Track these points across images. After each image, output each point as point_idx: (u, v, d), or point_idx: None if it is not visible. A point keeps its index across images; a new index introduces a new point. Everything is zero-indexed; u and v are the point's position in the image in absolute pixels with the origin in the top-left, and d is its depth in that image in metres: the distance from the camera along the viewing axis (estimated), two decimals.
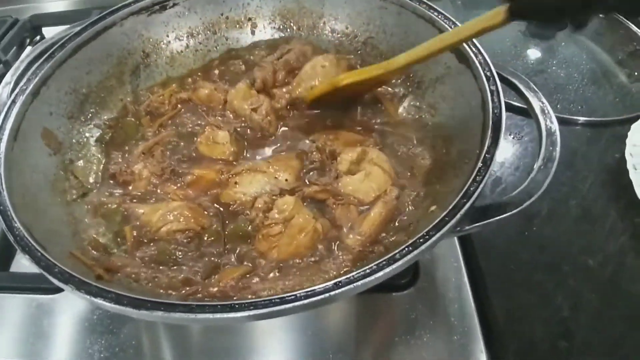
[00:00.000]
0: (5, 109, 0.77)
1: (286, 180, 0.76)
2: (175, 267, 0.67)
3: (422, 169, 0.78)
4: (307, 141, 0.84)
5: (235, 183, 0.76)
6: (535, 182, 0.65)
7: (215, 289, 0.63)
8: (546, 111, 0.74)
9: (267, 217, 0.70)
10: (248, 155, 0.85)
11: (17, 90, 0.79)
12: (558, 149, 0.70)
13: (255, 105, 0.89)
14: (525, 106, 0.78)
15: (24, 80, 0.81)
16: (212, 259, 0.68)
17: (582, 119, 1.05)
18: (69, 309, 0.79)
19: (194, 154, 0.85)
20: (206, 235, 0.70)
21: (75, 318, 0.78)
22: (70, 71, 0.85)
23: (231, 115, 0.91)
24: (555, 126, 0.72)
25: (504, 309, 0.78)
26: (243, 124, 0.89)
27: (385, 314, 0.75)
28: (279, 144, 0.87)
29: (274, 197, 0.74)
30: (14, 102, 0.78)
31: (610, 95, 1.10)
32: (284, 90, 0.92)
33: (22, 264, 0.89)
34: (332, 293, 0.51)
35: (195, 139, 0.86)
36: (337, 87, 0.84)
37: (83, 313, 0.78)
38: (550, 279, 0.82)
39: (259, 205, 0.71)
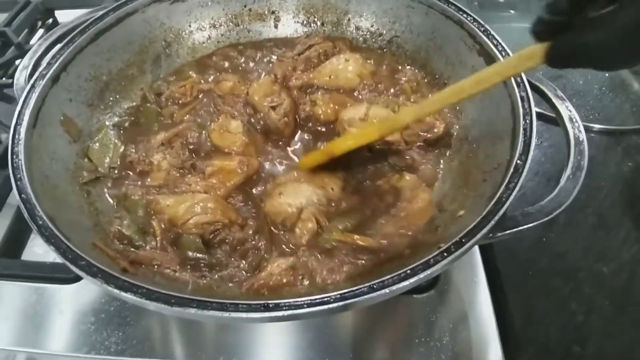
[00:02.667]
0: (25, 93, 0.75)
1: (332, 189, 0.75)
2: (208, 261, 0.67)
3: (449, 171, 0.77)
4: None
5: (280, 194, 0.73)
6: (564, 191, 0.65)
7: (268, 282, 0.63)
8: (574, 120, 0.74)
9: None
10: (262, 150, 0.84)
11: (36, 74, 0.77)
12: (586, 158, 0.70)
13: (275, 104, 0.87)
14: (552, 114, 0.77)
15: (44, 64, 0.79)
16: (255, 252, 0.68)
17: (597, 126, 1.05)
18: (84, 299, 0.78)
19: (212, 147, 0.84)
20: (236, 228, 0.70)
21: (90, 309, 0.76)
22: (90, 57, 0.84)
23: (249, 110, 0.89)
24: (583, 135, 0.72)
25: (521, 314, 0.79)
26: (260, 120, 0.88)
27: (406, 315, 0.74)
28: (296, 146, 0.86)
29: (320, 208, 0.72)
30: (33, 87, 0.76)
31: (627, 104, 1.10)
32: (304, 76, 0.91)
33: (34, 252, 0.88)
34: (367, 296, 0.50)
35: (209, 124, 0.85)
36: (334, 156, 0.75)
37: (99, 304, 0.77)
38: (566, 285, 0.83)
39: (304, 218, 0.70)
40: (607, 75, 1.14)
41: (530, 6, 1.35)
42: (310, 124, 0.88)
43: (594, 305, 0.80)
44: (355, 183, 0.78)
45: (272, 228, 0.72)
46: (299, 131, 0.88)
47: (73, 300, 0.78)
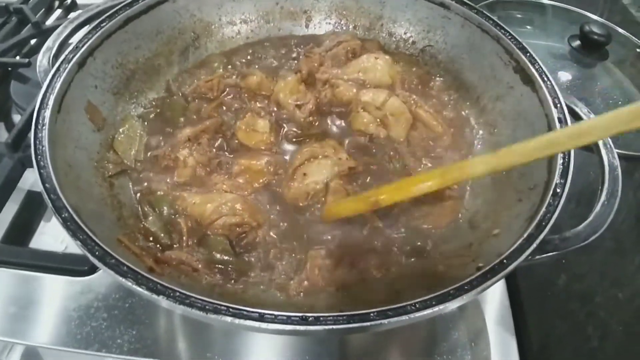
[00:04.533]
0: (50, 76, 0.72)
1: (347, 158, 0.75)
2: (235, 265, 0.65)
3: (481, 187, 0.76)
4: None
5: (304, 174, 0.73)
6: (599, 217, 0.65)
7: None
8: (609, 146, 0.73)
9: None
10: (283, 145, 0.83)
11: (62, 58, 0.75)
12: (620, 184, 0.70)
13: (300, 102, 0.86)
14: None
15: (70, 48, 0.76)
16: (294, 255, 0.66)
17: (617, 151, 1.06)
18: (97, 294, 0.75)
19: (239, 145, 0.82)
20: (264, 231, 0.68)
21: (103, 305, 0.74)
22: (118, 44, 0.81)
23: (274, 107, 0.87)
24: (617, 161, 0.72)
25: (539, 334, 0.79)
26: (284, 117, 0.87)
27: (429, 330, 0.74)
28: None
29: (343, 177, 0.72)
30: (58, 70, 0.73)
31: None
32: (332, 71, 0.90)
33: (43, 240, 0.85)
34: (412, 315, 0.49)
35: (235, 122, 0.83)
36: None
37: (112, 300, 0.74)
38: (583, 309, 0.83)
39: (333, 189, 0.70)
40: (626, 100, 1.15)
41: (547, 23, 1.35)
42: (332, 109, 0.87)
43: (608, 331, 0.80)
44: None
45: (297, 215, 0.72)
46: (322, 121, 0.87)
47: (85, 295, 0.75)
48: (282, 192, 0.74)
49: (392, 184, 0.66)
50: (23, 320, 0.73)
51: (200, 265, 0.62)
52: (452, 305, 0.50)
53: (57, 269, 0.77)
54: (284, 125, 0.85)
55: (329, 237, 0.70)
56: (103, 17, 0.80)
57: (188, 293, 0.50)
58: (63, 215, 0.57)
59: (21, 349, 0.82)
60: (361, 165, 0.77)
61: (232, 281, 0.63)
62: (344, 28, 0.99)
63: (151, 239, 0.65)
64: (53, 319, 0.73)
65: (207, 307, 0.49)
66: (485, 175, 0.66)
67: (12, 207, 0.88)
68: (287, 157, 0.80)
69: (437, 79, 0.92)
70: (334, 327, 0.48)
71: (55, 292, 0.75)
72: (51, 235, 0.85)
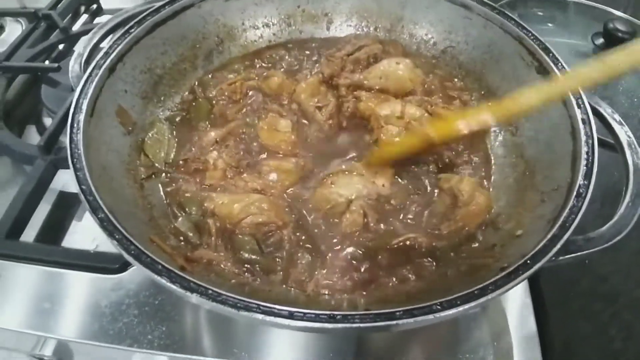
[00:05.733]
0: (82, 82, 0.75)
1: (383, 185, 0.75)
2: (262, 264, 0.67)
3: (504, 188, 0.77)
4: None
5: (332, 183, 0.74)
6: (623, 219, 0.65)
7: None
8: (633, 146, 0.73)
9: None
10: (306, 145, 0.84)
11: (93, 64, 0.77)
12: None
13: (321, 104, 0.87)
14: (609, 139, 0.76)
15: (100, 54, 0.79)
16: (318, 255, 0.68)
17: None
18: (128, 291, 0.78)
19: (262, 146, 0.83)
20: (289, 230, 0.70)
21: (134, 302, 0.76)
22: (146, 50, 0.83)
23: (295, 107, 0.89)
24: None
25: (561, 335, 0.78)
26: (306, 119, 0.88)
27: (451, 328, 0.74)
28: (338, 142, 0.86)
29: (369, 202, 0.72)
30: (90, 75, 0.76)
31: None
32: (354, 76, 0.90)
33: (75, 239, 0.88)
34: (437, 315, 0.50)
35: (257, 123, 0.85)
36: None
37: (143, 297, 0.77)
38: (606, 310, 0.82)
39: (353, 209, 0.70)
40: None
41: (570, 21, 1.33)
42: (355, 121, 0.87)
43: (632, 332, 0.79)
44: (406, 181, 0.78)
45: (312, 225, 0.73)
46: (344, 128, 0.87)
47: (116, 292, 0.78)
48: (309, 194, 0.75)
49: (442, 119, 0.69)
50: (56, 316, 0.76)
51: (229, 264, 0.64)
52: (477, 305, 0.51)
53: (88, 266, 0.80)
54: (306, 126, 0.86)
55: (354, 238, 0.71)
56: (131, 23, 0.83)
57: (220, 291, 0.52)
58: (100, 216, 0.59)
59: (54, 343, 0.86)
60: (396, 200, 0.76)
61: (259, 280, 0.65)
62: (365, 30, 1.00)
63: (181, 238, 0.68)
64: (85, 315, 0.75)
65: (238, 304, 0.51)
66: (539, 105, 0.64)
67: (44, 207, 0.92)
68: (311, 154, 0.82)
69: (459, 80, 0.93)
70: (362, 325, 0.50)
71: (87, 289, 0.78)
72: (82, 234, 0.88)
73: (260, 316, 0.50)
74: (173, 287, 0.53)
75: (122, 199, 0.69)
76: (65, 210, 0.93)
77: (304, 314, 0.51)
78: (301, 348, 0.73)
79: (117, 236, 0.57)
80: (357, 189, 0.73)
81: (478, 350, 0.72)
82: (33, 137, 1.06)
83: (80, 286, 0.79)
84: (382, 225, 0.73)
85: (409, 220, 0.74)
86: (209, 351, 0.72)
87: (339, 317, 0.50)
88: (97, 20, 1.34)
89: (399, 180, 0.78)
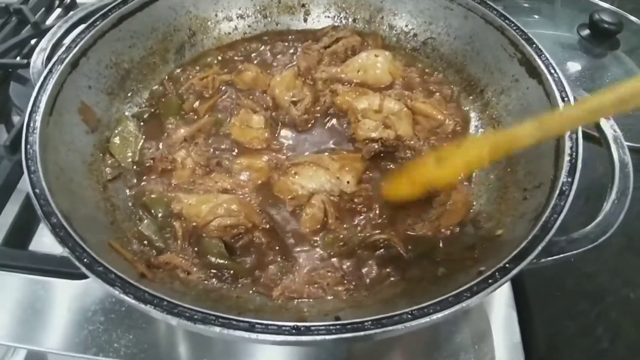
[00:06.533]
0: (42, 78, 0.71)
1: (348, 182, 0.72)
2: (231, 269, 0.63)
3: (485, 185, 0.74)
4: None
5: (295, 173, 0.71)
6: (609, 217, 0.62)
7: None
8: (619, 141, 0.70)
9: None
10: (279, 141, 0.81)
11: (54, 58, 0.73)
12: (631, 181, 0.66)
13: (297, 99, 0.84)
14: (594, 133, 0.73)
15: (63, 48, 0.75)
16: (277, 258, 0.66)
17: (628, 144, 1.01)
18: (94, 297, 0.74)
19: (234, 143, 0.80)
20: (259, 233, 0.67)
21: (100, 308, 0.73)
22: (112, 43, 0.80)
23: (269, 100, 0.85)
24: (628, 158, 0.69)
25: (546, 335, 0.76)
26: (281, 115, 0.84)
27: (431, 333, 0.72)
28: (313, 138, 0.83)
29: (331, 198, 0.69)
30: (51, 71, 0.72)
31: None
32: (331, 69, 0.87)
33: (43, 242, 0.85)
34: (407, 324, 0.47)
35: (229, 120, 0.81)
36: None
37: (109, 304, 0.73)
38: (593, 309, 0.80)
39: (313, 202, 0.67)
40: None
41: (555, 12, 1.30)
42: (331, 113, 0.85)
43: (620, 332, 0.78)
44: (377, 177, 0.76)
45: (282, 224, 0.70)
46: (319, 121, 0.85)
47: (82, 297, 0.74)
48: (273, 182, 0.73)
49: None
50: (24, 324, 0.73)
51: (195, 269, 0.60)
52: (451, 314, 0.48)
53: (54, 271, 0.76)
54: (280, 122, 0.83)
55: (325, 239, 0.68)
56: (96, 16, 0.79)
57: (176, 302, 0.49)
58: (52, 221, 0.56)
59: (24, 352, 0.83)
60: (359, 200, 0.73)
61: (228, 285, 0.62)
62: (344, 21, 0.96)
63: (145, 242, 0.64)
64: (49, 323, 0.72)
65: (195, 316, 0.48)
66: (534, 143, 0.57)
67: (11, 209, 0.88)
68: (284, 156, 0.79)
69: (439, 72, 0.90)
70: (327, 337, 0.47)
71: (53, 295, 0.75)
72: (51, 238, 0.85)
73: (217, 329, 0.47)
74: (126, 298, 0.50)
75: (82, 202, 0.65)
76: (33, 212, 0.89)
77: (266, 325, 0.48)
78: (280, 357, 0.70)
79: (69, 243, 0.54)
80: (320, 182, 0.71)
81: (458, 353, 0.70)
82: (3, 136, 1.02)
83: (45, 292, 0.75)
84: (344, 225, 0.70)
85: (379, 220, 0.71)
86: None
87: (302, 328, 0.47)
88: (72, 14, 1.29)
89: (370, 175, 0.75)
